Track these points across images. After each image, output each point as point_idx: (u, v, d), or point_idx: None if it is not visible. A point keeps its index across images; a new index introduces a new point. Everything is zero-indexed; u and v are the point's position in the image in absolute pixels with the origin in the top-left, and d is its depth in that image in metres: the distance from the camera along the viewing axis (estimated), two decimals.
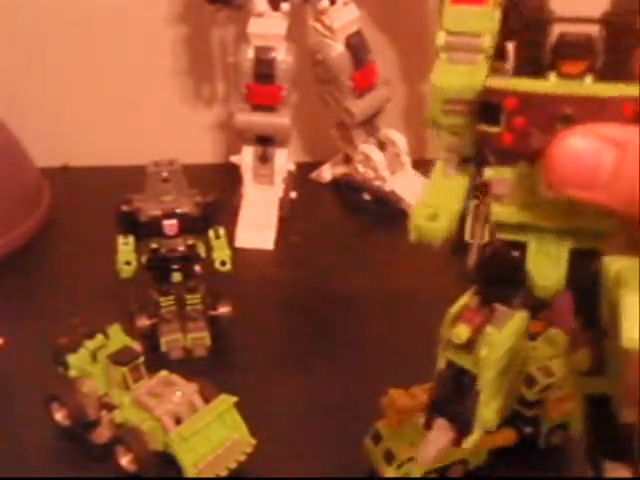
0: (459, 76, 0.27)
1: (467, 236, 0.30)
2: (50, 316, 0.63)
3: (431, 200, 0.30)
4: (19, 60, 0.90)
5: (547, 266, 0.29)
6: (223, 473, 0.48)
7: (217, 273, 0.60)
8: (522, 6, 0.26)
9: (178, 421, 0.49)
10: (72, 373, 0.52)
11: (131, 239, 0.58)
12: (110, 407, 0.51)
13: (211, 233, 0.59)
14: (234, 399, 0.50)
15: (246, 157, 0.79)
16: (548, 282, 0.29)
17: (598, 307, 0.29)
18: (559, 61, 0.25)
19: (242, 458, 0.49)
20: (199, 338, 0.60)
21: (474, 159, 0.30)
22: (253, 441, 0.49)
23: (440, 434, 0.37)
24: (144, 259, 0.58)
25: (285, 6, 0.74)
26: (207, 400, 0.50)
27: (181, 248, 0.58)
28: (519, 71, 0.26)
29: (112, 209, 0.59)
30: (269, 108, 0.75)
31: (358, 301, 0.67)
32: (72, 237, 0.78)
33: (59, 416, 0.53)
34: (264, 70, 0.73)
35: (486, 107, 0.26)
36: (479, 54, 0.27)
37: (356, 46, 0.76)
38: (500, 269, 0.30)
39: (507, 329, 0.33)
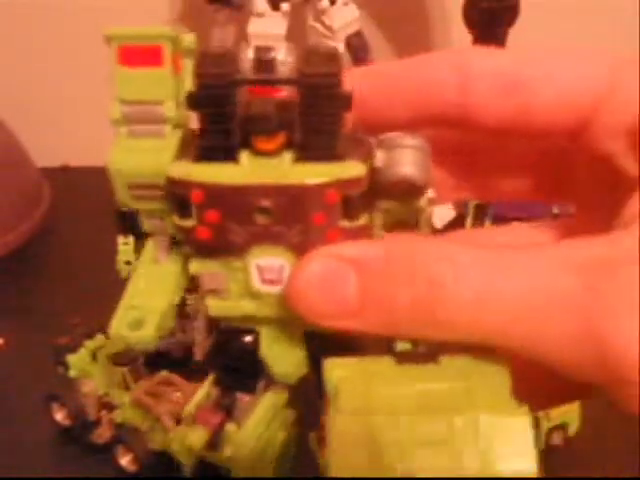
0: (143, 155, 0.22)
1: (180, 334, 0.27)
2: (50, 316, 0.63)
3: (136, 300, 0.25)
4: (19, 60, 0.90)
5: (282, 352, 0.25)
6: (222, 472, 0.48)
7: None
8: (197, 72, 0.21)
9: (178, 421, 0.49)
10: (72, 373, 0.52)
11: (131, 239, 0.58)
12: (110, 407, 0.51)
13: None
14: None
15: None
16: (286, 368, 0.25)
17: None
18: (251, 137, 0.21)
19: None
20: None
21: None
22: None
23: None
24: None
25: (285, 6, 0.74)
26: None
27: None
28: (208, 152, 0.21)
29: (112, 209, 0.59)
30: None
31: None
32: (72, 237, 0.78)
33: (59, 416, 0.53)
34: (264, 70, 0.73)
35: (173, 198, 0.22)
36: (164, 124, 0.23)
37: (356, 46, 0.76)
38: (234, 358, 0.26)
39: (251, 421, 0.29)
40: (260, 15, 0.74)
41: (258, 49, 0.73)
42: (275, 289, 0.22)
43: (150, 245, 0.26)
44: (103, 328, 0.53)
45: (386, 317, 0.20)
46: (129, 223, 0.58)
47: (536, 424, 0.50)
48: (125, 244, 0.58)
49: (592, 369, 0.18)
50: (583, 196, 0.25)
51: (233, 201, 0.21)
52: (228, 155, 0.21)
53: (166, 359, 0.59)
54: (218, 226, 0.22)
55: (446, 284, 0.19)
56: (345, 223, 0.21)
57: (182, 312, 0.63)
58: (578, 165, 0.24)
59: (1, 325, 0.60)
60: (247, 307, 0.24)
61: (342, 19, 0.75)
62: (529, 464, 0.19)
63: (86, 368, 0.52)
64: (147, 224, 0.24)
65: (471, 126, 0.23)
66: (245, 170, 0.21)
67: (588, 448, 0.51)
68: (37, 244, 0.77)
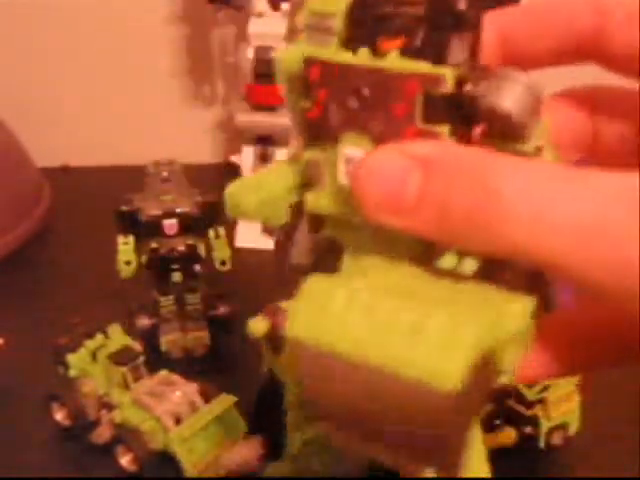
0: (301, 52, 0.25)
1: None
2: (50, 316, 0.63)
3: (260, 176, 0.27)
4: (19, 60, 0.90)
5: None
6: (223, 473, 0.48)
7: (217, 273, 0.60)
8: None
9: (178, 421, 0.49)
10: (72, 373, 0.52)
11: (131, 239, 0.58)
12: (110, 407, 0.51)
13: (211, 233, 0.59)
14: (234, 399, 0.50)
15: (246, 157, 0.79)
16: None
17: None
18: (376, 37, 0.23)
19: None
20: (199, 338, 0.60)
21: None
22: None
23: (250, 447, 0.34)
24: (144, 259, 0.58)
25: (285, 6, 0.74)
26: (207, 400, 0.50)
27: (181, 248, 0.58)
28: (349, 47, 0.24)
29: (112, 209, 0.59)
30: (269, 108, 0.75)
31: None
32: (72, 237, 0.78)
33: (59, 416, 0.53)
34: (264, 70, 0.73)
35: (302, 79, 0.25)
36: (331, 36, 0.25)
37: None
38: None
39: None
40: (260, 15, 0.74)
41: (258, 49, 0.74)
42: None
43: (290, 149, 0.27)
44: (103, 328, 0.53)
45: (442, 220, 0.20)
46: (129, 223, 0.58)
47: (536, 423, 0.50)
48: (125, 244, 0.58)
49: (633, 299, 0.19)
50: None
51: (338, 80, 0.23)
52: (354, 51, 0.24)
53: (166, 359, 0.60)
54: (324, 106, 0.24)
55: (503, 199, 0.19)
56: (425, 125, 0.22)
57: (183, 312, 0.63)
58: None
59: (1, 325, 0.60)
60: (335, 205, 0.25)
61: None
62: (452, 366, 0.18)
63: (86, 368, 0.52)
64: (296, 122, 0.27)
65: (605, 58, 0.24)
66: (357, 57, 0.23)
67: (588, 448, 0.51)
68: (37, 244, 0.77)
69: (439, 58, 0.22)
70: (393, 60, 0.22)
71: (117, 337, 0.52)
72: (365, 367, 0.19)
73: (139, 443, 0.48)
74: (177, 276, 0.59)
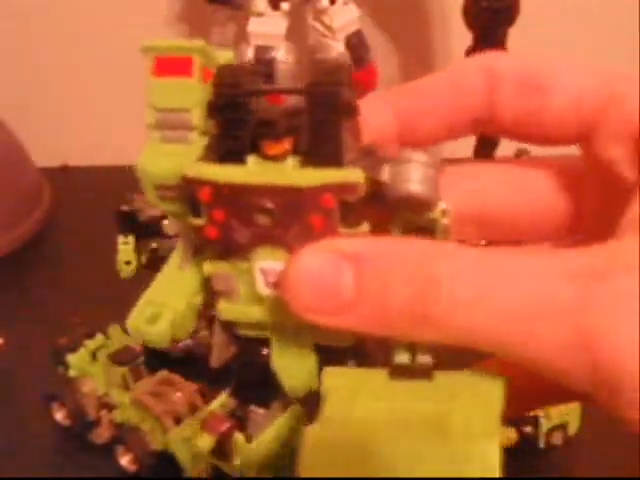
0: (169, 159, 0.24)
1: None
2: (50, 316, 0.63)
3: (156, 297, 0.26)
4: (19, 60, 0.90)
5: (292, 363, 0.25)
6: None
7: None
8: (214, 82, 0.22)
9: (178, 421, 0.49)
10: (72, 373, 0.52)
11: (131, 239, 0.58)
12: (110, 407, 0.51)
13: None
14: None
15: None
16: (295, 381, 0.25)
17: None
18: (260, 141, 0.22)
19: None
20: (199, 338, 0.60)
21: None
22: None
23: None
24: (144, 259, 0.58)
25: (285, 5, 0.74)
26: (207, 400, 0.50)
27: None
28: (222, 156, 0.22)
29: (112, 209, 0.59)
30: None
31: None
32: (72, 237, 0.78)
33: (59, 416, 0.53)
34: (264, 70, 0.73)
35: (188, 198, 0.23)
36: (190, 131, 0.24)
37: (356, 45, 0.76)
38: (250, 370, 0.26)
39: (264, 437, 0.29)
40: (260, 14, 0.74)
41: (258, 48, 0.74)
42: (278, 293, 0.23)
43: (176, 253, 0.27)
44: (103, 328, 0.53)
45: (381, 315, 0.20)
46: (129, 223, 0.58)
47: (536, 423, 0.50)
48: (125, 244, 0.58)
49: (583, 377, 0.18)
50: (592, 216, 0.25)
51: (236, 200, 0.22)
52: (239, 159, 0.22)
53: (166, 359, 0.60)
54: (224, 225, 0.22)
55: (442, 283, 0.19)
56: (345, 229, 0.21)
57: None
58: (586, 186, 0.25)
59: (1, 325, 0.60)
60: (255, 312, 0.24)
61: (342, 19, 0.75)
62: None
63: (86, 368, 0.52)
64: (174, 227, 0.26)
65: (496, 126, 0.24)
66: (250, 171, 0.22)
67: (588, 448, 0.51)
68: (37, 244, 0.77)
69: (336, 157, 0.21)
70: (293, 173, 0.21)
71: (117, 337, 0.52)
72: None
73: (139, 443, 0.48)
74: None
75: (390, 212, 0.22)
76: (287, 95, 0.23)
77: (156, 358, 0.57)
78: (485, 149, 0.69)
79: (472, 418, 0.19)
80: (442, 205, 0.22)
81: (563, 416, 0.50)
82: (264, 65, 0.73)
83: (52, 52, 0.89)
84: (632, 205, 0.20)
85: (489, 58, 0.24)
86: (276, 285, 0.23)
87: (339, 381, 0.21)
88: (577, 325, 0.18)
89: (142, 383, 0.51)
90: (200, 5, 0.78)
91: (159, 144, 0.25)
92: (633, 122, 0.22)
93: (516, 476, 0.49)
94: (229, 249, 0.23)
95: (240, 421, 0.30)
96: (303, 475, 0.19)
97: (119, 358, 0.51)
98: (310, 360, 0.25)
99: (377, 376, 0.21)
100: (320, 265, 0.20)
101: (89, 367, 0.52)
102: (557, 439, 0.51)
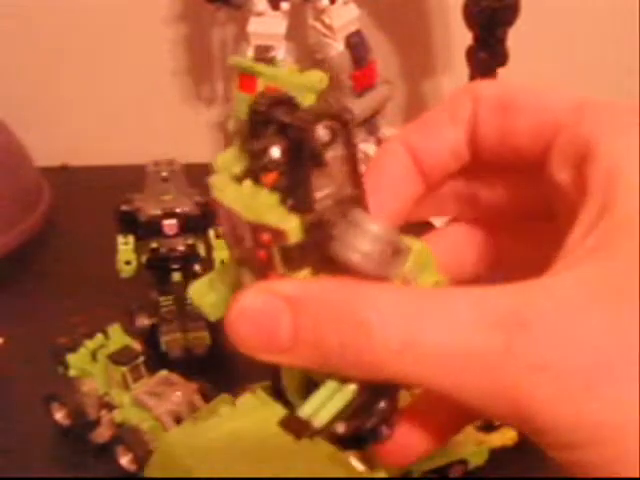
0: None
1: None
2: (50, 316, 0.63)
3: (212, 277, 0.26)
4: (19, 60, 0.90)
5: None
6: None
7: None
8: (251, 102, 0.23)
9: (178, 421, 0.49)
10: (72, 373, 0.52)
11: (131, 239, 0.58)
12: (110, 407, 0.51)
13: (211, 233, 0.59)
14: (234, 399, 0.49)
15: None
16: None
17: None
18: (258, 169, 0.22)
19: None
20: (199, 338, 0.60)
21: None
22: None
23: None
24: (144, 259, 0.58)
25: (285, 5, 0.74)
26: (207, 400, 0.50)
27: (181, 248, 0.58)
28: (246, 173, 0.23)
29: (112, 209, 0.59)
30: None
31: None
32: (72, 237, 0.78)
33: (59, 416, 0.53)
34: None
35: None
36: None
37: (356, 45, 0.76)
38: None
39: None
40: (260, 14, 0.74)
41: (258, 48, 0.74)
42: None
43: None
44: (103, 328, 0.53)
45: (317, 356, 0.21)
46: (129, 223, 0.58)
47: None
48: (125, 244, 0.58)
49: (510, 421, 0.20)
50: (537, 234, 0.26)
51: (229, 220, 0.23)
52: (245, 178, 0.23)
53: (166, 359, 0.60)
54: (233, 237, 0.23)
55: (372, 330, 0.20)
56: (287, 272, 0.22)
57: (183, 312, 0.63)
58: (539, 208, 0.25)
59: (1, 325, 0.60)
60: None
61: (342, 18, 0.75)
62: None
63: (86, 368, 0.52)
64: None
65: (475, 146, 0.25)
66: (236, 194, 0.22)
67: None
68: (37, 244, 0.77)
69: (305, 200, 0.21)
70: (251, 205, 0.22)
71: (117, 337, 0.52)
72: None
73: (139, 443, 0.48)
74: (177, 276, 0.59)
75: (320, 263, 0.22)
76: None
77: (156, 358, 0.57)
78: None
79: None
80: (402, 277, 0.22)
81: None
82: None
83: (52, 52, 0.89)
84: (571, 231, 0.21)
85: (476, 85, 0.25)
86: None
87: None
88: (498, 375, 0.19)
89: (142, 383, 0.51)
90: (200, 5, 0.78)
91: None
92: (579, 145, 0.22)
93: (516, 476, 0.49)
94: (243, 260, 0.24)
95: None
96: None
97: (119, 358, 0.51)
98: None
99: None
100: (260, 305, 0.21)
101: (89, 367, 0.52)
102: None
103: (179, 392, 0.50)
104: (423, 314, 0.20)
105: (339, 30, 0.75)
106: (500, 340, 0.19)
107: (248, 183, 0.22)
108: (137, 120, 0.92)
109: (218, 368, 0.59)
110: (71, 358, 0.51)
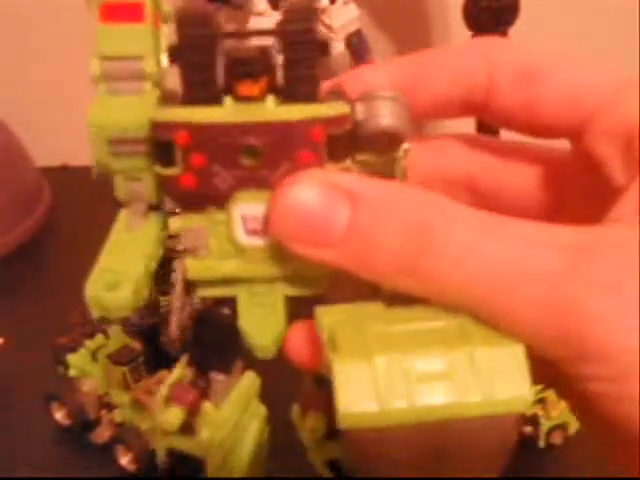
0: (123, 110, 0.23)
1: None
2: (50, 316, 0.63)
3: (111, 263, 0.25)
4: (19, 60, 0.90)
5: (261, 320, 0.24)
6: None
7: None
8: (179, 24, 0.21)
9: None
10: (72, 373, 0.52)
11: None
12: (110, 407, 0.51)
13: None
14: None
15: None
16: (266, 340, 0.24)
17: None
18: (234, 82, 0.21)
19: None
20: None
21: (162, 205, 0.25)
22: None
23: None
24: None
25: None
26: (207, 400, 0.50)
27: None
28: (191, 99, 0.21)
29: (112, 209, 0.58)
30: None
31: None
32: (72, 236, 0.78)
33: (59, 416, 0.53)
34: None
35: (157, 145, 0.22)
36: (144, 81, 0.23)
37: (356, 45, 0.76)
38: (210, 332, 0.26)
39: (228, 403, 0.28)
40: (260, 14, 0.74)
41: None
42: (259, 241, 0.22)
43: (124, 214, 0.25)
44: (103, 328, 0.53)
45: (368, 255, 0.20)
46: None
47: (536, 423, 0.50)
48: None
49: (556, 344, 0.19)
50: (571, 209, 0.25)
51: (219, 142, 0.21)
52: (213, 102, 0.21)
53: (166, 359, 0.59)
54: (203, 171, 0.21)
55: (435, 234, 0.19)
56: (331, 165, 0.21)
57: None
58: (570, 180, 0.25)
59: (1, 325, 0.60)
60: (228, 266, 0.23)
61: (342, 18, 0.75)
62: (524, 390, 0.19)
63: (86, 368, 0.52)
64: (124, 189, 0.24)
65: (490, 113, 0.24)
66: (231, 111, 0.21)
67: (588, 448, 0.51)
68: (37, 244, 0.77)
69: (312, 95, 0.21)
70: (278, 110, 0.21)
71: (117, 337, 0.52)
72: (431, 426, 0.19)
73: (139, 443, 0.48)
74: None
75: (355, 152, 0.22)
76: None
77: (156, 358, 0.57)
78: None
79: (485, 329, 0.20)
80: (405, 145, 0.22)
81: (563, 416, 0.50)
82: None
83: (52, 52, 0.89)
84: (621, 202, 0.21)
85: (491, 44, 0.24)
86: (256, 232, 0.22)
87: (338, 317, 0.21)
88: (557, 294, 0.18)
89: (142, 383, 0.51)
90: (200, 5, 0.78)
91: (109, 97, 0.24)
92: (627, 124, 0.22)
93: (516, 476, 0.49)
94: (207, 198, 0.22)
95: (202, 390, 0.29)
96: (343, 412, 0.19)
97: (119, 358, 0.51)
98: (280, 316, 0.24)
99: (373, 307, 0.21)
100: (315, 195, 0.20)
101: (89, 367, 0.52)
102: (557, 439, 0.50)
103: None
104: (486, 228, 0.19)
105: (339, 30, 0.75)
106: (564, 260, 0.18)
107: (228, 100, 0.21)
108: None
109: (218, 368, 0.59)
110: (71, 358, 0.51)
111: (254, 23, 0.74)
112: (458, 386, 0.19)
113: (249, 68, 0.21)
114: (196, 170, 0.21)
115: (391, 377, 0.19)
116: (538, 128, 0.24)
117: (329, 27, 0.75)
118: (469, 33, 0.71)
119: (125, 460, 0.49)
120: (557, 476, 0.50)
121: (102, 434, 0.51)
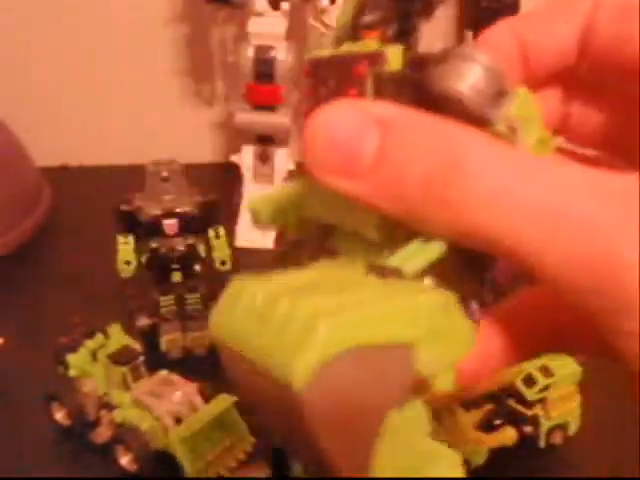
0: None
1: None
2: (50, 316, 0.63)
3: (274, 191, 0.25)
4: (19, 60, 0.90)
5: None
6: (223, 472, 0.48)
7: (217, 273, 0.60)
8: None
9: (178, 421, 0.49)
10: (72, 373, 0.52)
11: (131, 239, 0.58)
12: (110, 407, 0.51)
13: (211, 233, 0.59)
14: (234, 399, 0.50)
15: (246, 156, 0.79)
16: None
17: None
18: (359, 30, 0.22)
19: (242, 457, 0.49)
20: (199, 338, 0.60)
21: None
22: (252, 439, 0.49)
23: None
24: (144, 259, 0.58)
25: (285, 5, 0.74)
26: (207, 400, 0.50)
27: (181, 248, 0.58)
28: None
29: (112, 209, 0.59)
30: (269, 108, 0.75)
31: None
32: (72, 237, 0.78)
33: (59, 416, 0.53)
34: (264, 69, 0.73)
35: None
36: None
37: None
38: None
39: None
40: (260, 14, 0.74)
41: (258, 48, 0.74)
42: None
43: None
44: (103, 328, 0.53)
45: (397, 186, 0.19)
46: (129, 223, 0.58)
47: (536, 423, 0.50)
48: (125, 244, 0.58)
49: (591, 294, 0.18)
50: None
51: (315, 73, 0.23)
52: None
53: (166, 359, 0.60)
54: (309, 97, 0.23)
55: (467, 164, 0.18)
56: None
57: (183, 312, 0.63)
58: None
59: (1, 325, 0.60)
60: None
61: None
62: (295, 361, 0.17)
63: (86, 368, 0.52)
64: None
65: (590, 52, 0.24)
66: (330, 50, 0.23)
67: (588, 448, 0.51)
68: (37, 244, 0.77)
69: (409, 46, 0.21)
70: (351, 46, 0.22)
71: (117, 337, 0.52)
72: (251, 364, 0.18)
73: (139, 443, 0.48)
74: (177, 276, 0.59)
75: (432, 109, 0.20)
76: None
77: (156, 358, 0.57)
78: None
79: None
80: (508, 123, 0.20)
81: (563, 416, 0.50)
82: (264, 65, 0.73)
83: (52, 52, 0.89)
84: None
85: None
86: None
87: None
88: (597, 238, 0.17)
89: (142, 383, 0.51)
90: (200, 5, 0.78)
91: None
92: None
93: (516, 476, 0.49)
94: None
95: None
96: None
97: (119, 358, 0.51)
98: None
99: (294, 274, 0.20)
100: (345, 122, 0.19)
101: (89, 367, 0.51)
102: (557, 439, 0.51)
103: (179, 392, 0.50)
104: (523, 169, 0.18)
105: None
106: (600, 207, 0.18)
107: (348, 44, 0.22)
108: (137, 120, 0.92)
109: (218, 368, 0.59)
110: (71, 358, 0.51)
111: (254, 23, 0.74)
112: (271, 332, 0.18)
113: (366, 19, 0.23)
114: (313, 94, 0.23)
115: (255, 308, 0.18)
116: (620, 70, 0.23)
117: (329, 27, 0.75)
118: (469, 33, 0.71)
119: (125, 460, 0.49)
120: (557, 476, 0.50)
121: (102, 434, 0.51)
